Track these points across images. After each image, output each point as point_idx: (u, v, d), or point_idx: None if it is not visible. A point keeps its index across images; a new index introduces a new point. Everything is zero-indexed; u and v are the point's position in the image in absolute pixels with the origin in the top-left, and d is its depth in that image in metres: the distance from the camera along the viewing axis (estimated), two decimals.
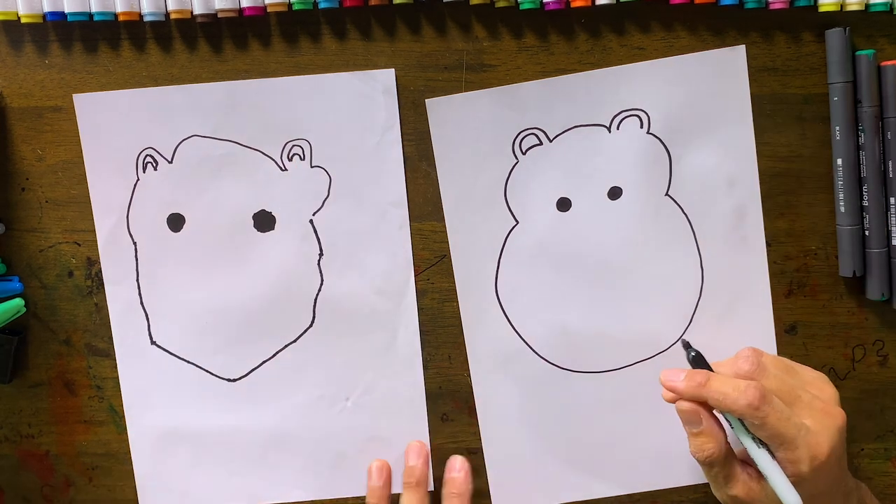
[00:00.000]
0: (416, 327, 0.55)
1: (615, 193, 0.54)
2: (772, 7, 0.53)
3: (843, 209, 0.54)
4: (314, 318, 0.54)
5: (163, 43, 0.53)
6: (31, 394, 0.55)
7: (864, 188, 0.54)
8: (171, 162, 0.53)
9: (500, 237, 0.54)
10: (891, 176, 0.53)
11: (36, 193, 0.54)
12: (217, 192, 0.53)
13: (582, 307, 0.55)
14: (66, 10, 0.51)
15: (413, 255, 0.55)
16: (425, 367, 0.56)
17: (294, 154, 0.53)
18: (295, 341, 0.55)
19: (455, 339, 0.56)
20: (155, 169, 0.53)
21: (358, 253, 0.54)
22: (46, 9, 0.51)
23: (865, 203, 0.54)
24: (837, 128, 0.54)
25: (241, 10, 0.52)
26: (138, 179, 0.53)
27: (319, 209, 0.54)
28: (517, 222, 0.54)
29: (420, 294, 0.55)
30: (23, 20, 0.51)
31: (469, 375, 0.56)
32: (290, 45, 0.53)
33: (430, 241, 0.55)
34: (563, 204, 0.54)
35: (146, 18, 0.52)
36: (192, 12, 0.52)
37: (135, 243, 0.54)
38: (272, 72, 0.53)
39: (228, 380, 0.55)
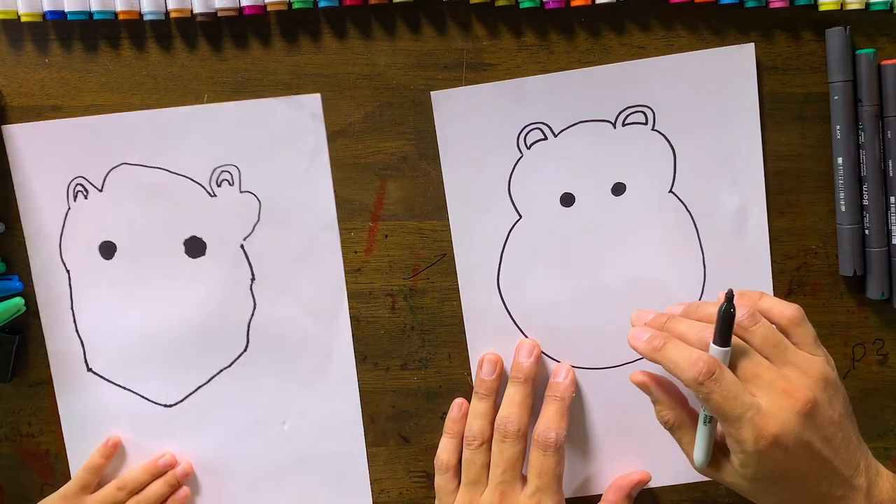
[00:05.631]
0: (351, 350, 0.55)
1: (619, 189, 0.54)
2: (772, 6, 0.53)
3: (843, 208, 0.54)
4: (248, 342, 0.55)
5: (163, 42, 0.53)
6: (31, 393, 0.55)
7: (865, 187, 0.54)
8: (101, 190, 0.53)
9: (503, 231, 0.55)
10: (891, 175, 0.53)
11: None
12: (147, 220, 0.54)
13: (584, 303, 0.55)
14: (66, 9, 0.51)
15: (413, 253, 0.55)
16: (426, 366, 0.56)
17: (223, 180, 0.53)
18: (230, 366, 0.55)
19: (455, 338, 0.56)
20: (85, 197, 0.53)
21: (290, 277, 0.55)
22: (46, 8, 0.51)
23: (865, 202, 0.54)
24: (838, 127, 0.54)
25: (241, 9, 0.52)
26: (69, 208, 0.53)
27: (250, 234, 0.54)
28: (520, 217, 0.54)
29: (420, 293, 0.55)
30: (23, 19, 0.51)
31: (469, 374, 0.56)
32: (289, 44, 0.53)
33: (429, 240, 0.55)
34: (567, 199, 0.54)
35: (146, 17, 0.52)
36: (192, 11, 0.52)
37: (68, 271, 0.54)
38: (272, 70, 0.53)
39: (165, 405, 0.55)
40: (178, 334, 0.55)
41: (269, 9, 0.52)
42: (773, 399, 0.44)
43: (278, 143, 0.53)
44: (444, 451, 0.54)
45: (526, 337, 0.55)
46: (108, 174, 0.53)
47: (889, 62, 0.52)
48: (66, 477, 0.56)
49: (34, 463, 0.56)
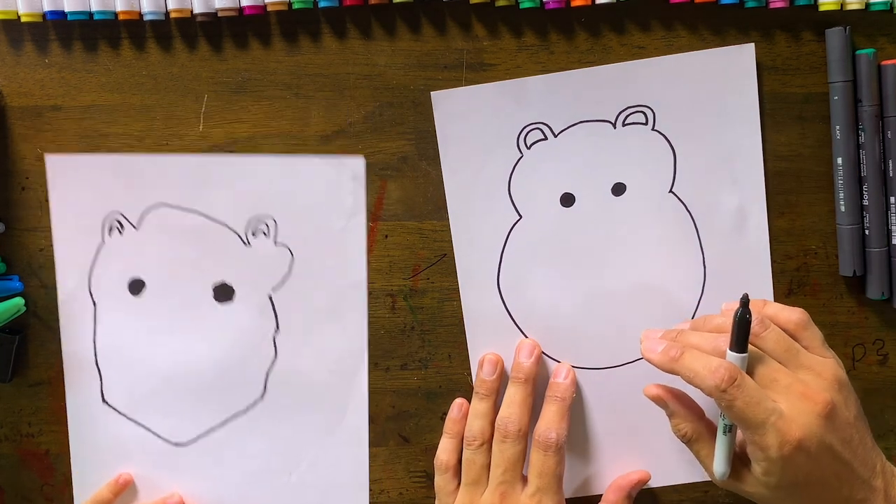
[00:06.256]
0: (366, 409, 0.56)
1: (619, 189, 0.54)
2: (772, 6, 0.53)
3: (843, 208, 0.54)
4: (265, 391, 0.55)
5: (163, 42, 0.53)
6: (31, 393, 0.55)
7: (865, 187, 0.54)
8: (136, 228, 0.54)
9: (503, 231, 0.55)
10: (891, 175, 0.53)
11: (36, 192, 0.54)
12: (179, 261, 0.54)
13: (584, 303, 0.55)
14: (66, 9, 0.51)
15: (413, 253, 0.55)
16: (426, 366, 0.56)
17: (259, 230, 0.54)
18: (244, 412, 0.55)
19: (455, 338, 0.56)
20: (120, 233, 0.54)
21: (314, 331, 0.55)
22: (46, 8, 0.51)
23: (865, 202, 0.54)
24: (837, 127, 0.54)
25: (241, 9, 0.52)
26: (103, 242, 0.54)
27: (279, 285, 0.54)
28: (520, 217, 0.54)
29: (420, 293, 0.55)
30: (23, 19, 0.51)
31: (469, 375, 0.56)
32: (290, 45, 0.53)
33: (429, 240, 0.55)
34: (567, 199, 0.54)
35: (146, 17, 0.52)
36: (192, 11, 0.52)
37: (94, 303, 0.54)
38: (272, 71, 0.53)
39: (175, 444, 0.55)
40: (197, 376, 0.55)
41: (269, 9, 0.52)
42: (794, 403, 0.44)
43: (317, 201, 0.54)
44: (444, 451, 0.54)
45: (526, 337, 0.55)
46: (145, 212, 0.54)
47: (889, 62, 0.53)
48: (66, 477, 0.56)
49: (34, 463, 0.56)
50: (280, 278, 0.54)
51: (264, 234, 0.54)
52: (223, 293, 0.54)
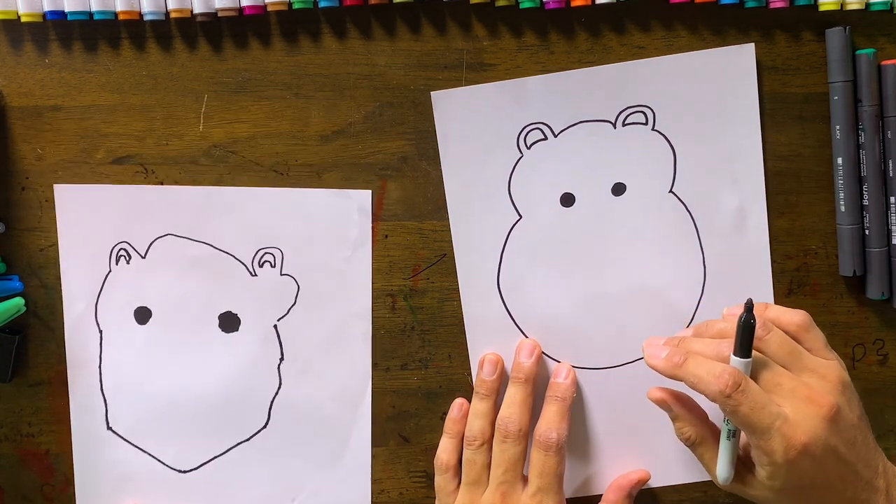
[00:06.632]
0: (369, 436, 0.56)
1: (619, 189, 0.54)
2: (772, 6, 0.53)
3: (843, 208, 0.54)
4: (269, 419, 0.55)
5: (163, 42, 0.53)
6: (31, 393, 0.55)
7: (865, 187, 0.54)
8: (143, 257, 0.54)
9: (503, 231, 0.55)
10: (891, 175, 0.53)
11: (36, 192, 0.54)
12: (185, 290, 0.54)
13: (584, 303, 0.55)
14: (66, 9, 0.51)
15: (413, 253, 0.55)
16: (426, 366, 0.56)
17: (265, 261, 0.54)
18: (248, 440, 0.56)
19: (455, 338, 0.56)
20: (127, 262, 0.54)
21: (318, 360, 0.55)
22: (46, 8, 0.51)
23: (865, 202, 0.54)
24: (838, 127, 0.54)
25: (241, 9, 0.52)
26: (110, 271, 0.54)
27: (285, 315, 0.55)
28: (520, 217, 0.54)
29: (420, 293, 0.55)
30: (23, 19, 0.51)
31: (469, 375, 0.56)
32: (290, 45, 0.53)
33: (429, 240, 0.55)
34: (567, 199, 0.54)
35: (146, 17, 0.52)
36: (192, 11, 0.52)
37: (101, 331, 0.55)
38: (272, 71, 0.53)
39: (179, 471, 0.56)
40: (201, 404, 0.55)
41: (269, 9, 0.52)
42: (798, 407, 0.44)
43: (323, 232, 0.54)
44: (444, 451, 0.54)
45: (526, 337, 0.55)
46: (153, 242, 0.54)
47: (889, 62, 0.53)
48: (66, 477, 0.56)
49: (34, 463, 0.56)
50: (286, 308, 0.55)
51: (270, 264, 0.54)
52: (229, 322, 0.55)
